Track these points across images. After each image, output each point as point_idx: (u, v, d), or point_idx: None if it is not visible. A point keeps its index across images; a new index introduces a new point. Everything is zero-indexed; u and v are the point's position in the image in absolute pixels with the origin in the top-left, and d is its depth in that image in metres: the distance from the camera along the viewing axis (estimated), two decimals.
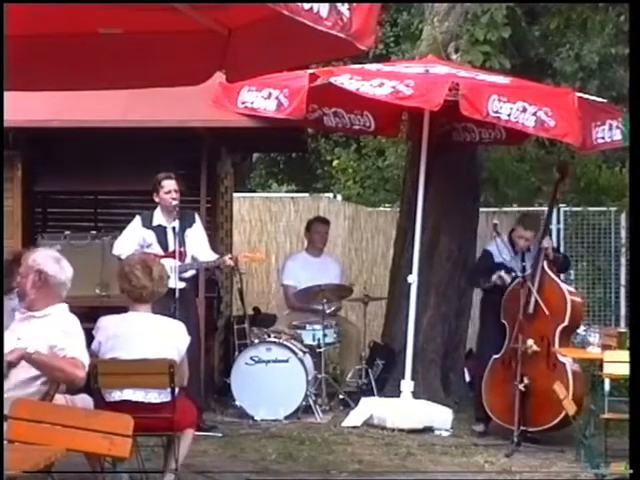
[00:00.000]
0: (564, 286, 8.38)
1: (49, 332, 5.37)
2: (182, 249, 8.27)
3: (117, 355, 6.05)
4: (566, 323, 8.19)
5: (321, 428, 8.57)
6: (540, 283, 8.24)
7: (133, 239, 8.39)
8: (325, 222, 10.46)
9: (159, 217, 8.43)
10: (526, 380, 8.00)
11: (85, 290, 8.50)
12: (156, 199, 8.36)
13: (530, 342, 8.00)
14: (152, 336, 6.10)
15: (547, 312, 8.10)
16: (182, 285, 8.20)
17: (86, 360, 5.41)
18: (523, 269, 8.35)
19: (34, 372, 5.29)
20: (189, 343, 6.28)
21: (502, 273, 8.36)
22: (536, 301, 8.16)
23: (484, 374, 8.45)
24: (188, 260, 8.38)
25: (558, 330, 8.17)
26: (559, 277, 8.50)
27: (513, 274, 8.43)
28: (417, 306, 8.98)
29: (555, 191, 8.83)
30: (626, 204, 11.29)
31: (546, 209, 12.70)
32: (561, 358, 8.11)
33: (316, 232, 10.27)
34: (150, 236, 8.41)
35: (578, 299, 8.52)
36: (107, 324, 6.13)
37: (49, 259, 5.53)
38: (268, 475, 7.04)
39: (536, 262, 8.29)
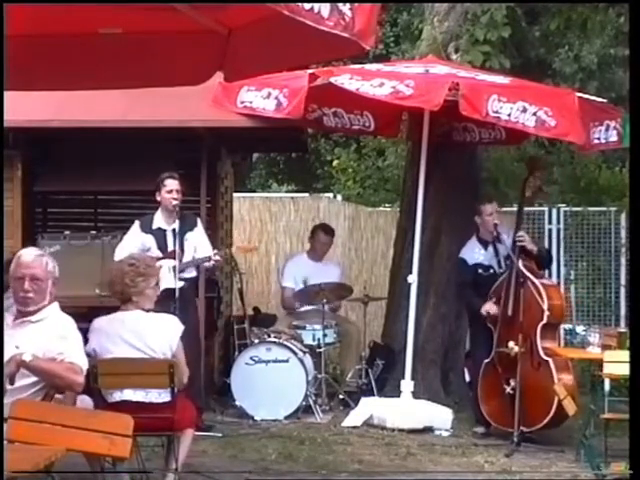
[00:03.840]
0: (540, 284, 8.31)
1: (46, 337, 5.33)
2: (179, 250, 8.28)
3: (112, 355, 6.05)
4: (545, 321, 8.19)
5: (321, 428, 8.57)
6: (516, 283, 8.24)
7: (132, 245, 8.38)
8: (329, 232, 10.35)
9: (159, 219, 8.44)
10: (513, 382, 8.01)
11: (85, 290, 8.52)
12: (158, 198, 8.38)
13: (511, 344, 8.00)
14: (143, 331, 6.09)
15: (522, 314, 8.14)
16: (181, 284, 8.22)
17: (84, 364, 5.39)
18: (499, 264, 8.46)
19: (31, 379, 5.28)
20: (189, 343, 6.28)
21: (487, 307, 8.32)
22: (514, 302, 8.18)
23: (478, 379, 8.48)
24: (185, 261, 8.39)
25: (539, 328, 8.18)
26: (537, 275, 8.49)
27: (491, 271, 8.53)
28: (417, 306, 8.98)
29: (524, 188, 8.65)
30: (626, 204, 11.30)
31: (545, 209, 12.90)
32: (544, 356, 8.12)
33: (319, 242, 10.23)
34: (149, 240, 8.41)
35: (556, 296, 8.49)
36: (100, 325, 6.13)
37: (55, 262, 5.53)
38: (268, 475, 7.03)
39: (511, 264, 8.29)
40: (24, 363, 5.17)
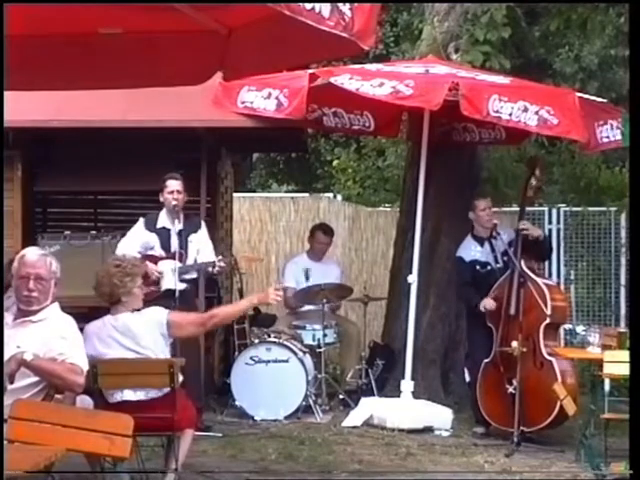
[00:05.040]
0: (543, 284, 8.33)
1: (47, 337, 5.34)
2: (182, 251, 8.30)
3: (108, 358, 6.04)
4: (548, 320, 8.19)
5: (321, 428, 8.57)
6: (519, 283, 8.24)
7: (135, 241, 8.44)
8: (328, 232, 10.30)
9: (163, 219, 8.47)
10: (515, 382, 8.01)
11: (85, 290, 8.46)
12: (161, 199, 8.42)
13: (514, 344, 7.99)
14: (137, 332, 6.08)
15: (523, 313, 8.15)
16: (182, 286, 8.23)
17: (85, 365, 5.40)
18: (495, 259, 8.50)
19: (31, 379, 5.28)
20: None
21: (486, 303, 8.33)
22: (517, 301, 8.18)
23: (478, 379, 8.48)
24: (189, 263, 8.40)
25: (541, 328, 8.18)
26: (540, 274, 8.48)
27: (489, 267, 8.54)
28: (417, 306, 8.98)
29: (525, 188, 8.62)
30: (626, 204, 11.29)
31: (545, 209, 12.90)
32: (547, 356, 8.13)
33: (318, 242, 10.20)
34: (153, 239, 8.45)
35: (559, 296, 8.52)
36: (92, 330, 6.07)
37: (57, 262, 5.53)
38: (268, 475, 7.03)
39: (513, 262, 8.29)
40: (25, 362, 5.17)
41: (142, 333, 6.08)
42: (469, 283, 8.63)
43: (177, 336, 6.35)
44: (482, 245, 8.62)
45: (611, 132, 8.57)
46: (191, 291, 8.46)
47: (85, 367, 5.39)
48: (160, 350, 6.09)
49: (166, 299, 7.97)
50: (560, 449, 7.90)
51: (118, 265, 6.24)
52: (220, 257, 8.51)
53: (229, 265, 8.78)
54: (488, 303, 8.31)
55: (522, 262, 8.28)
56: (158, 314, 6.17)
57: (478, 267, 8.57)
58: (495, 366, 8.32)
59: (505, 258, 8.43)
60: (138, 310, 6.22)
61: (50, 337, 5.35)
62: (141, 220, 8.55)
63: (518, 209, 8.88)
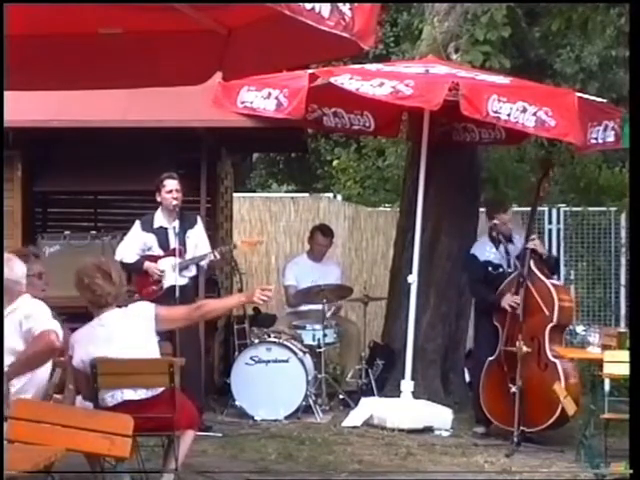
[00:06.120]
0: (551, 285, 8.32)
1: (16, 322, 5.44)
2: (182, 247, 8.31)
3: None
4: (554, 322, 8.19)
5: (321, 428, 8.57)
6: (527, 283, 8.23)
7: (134, 244, 8.50)
8: (327, 234, 10.26)
9: (160, 218, 8.48)
10: (519, 382, 8.01)
11: None
12: (158, 198, 8.42)
13: (519, 344, 7.99)
14: (124, 330, 6.02)
15: (524, 313, 8.14)
16: (183, 282, 8.26)
17: (55, 327, 5.43)
18: (508, 263, 8.48)
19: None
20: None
21: (509, 299, 8.29)
22: (524, 302, 8.17)
23: (481, 377, 8.48)
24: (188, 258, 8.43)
25: (547, 330, 8.17)
26: (547, 276, 8.48)
27: (500, 270, 8.52)
28: (417, 306, 8.98)
29: (538, 189, 8.63)
30: (626, 204, 11.29)
31: (545, 209, 12.90)
32: (552, 357, 8.12)
33: (317, 243, 10.18)
34: (151, 239, 8.47)
35: (566, 297, 8.52)
36: (81, 336, 5.99)
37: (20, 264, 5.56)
38: (268, 475, 7.03)
39: (522, 263, 8.28)
40: (7, 376, 5.21)
41: (131, 329, 6.03)
42: (481, 280, 8.60)
43: (165, 329, 6.33)
44: (497, 247, 8.59)
45: (602, 134, 8.54)
46: (191, 287, 8.48)
47: (56, 328, 5.41)
48: (151, 345, 6.04)
49: (167, 297, 7.99)
50: (560, 449, 7.90)
51: (100, 267, 6.12)
52: (210, 250, 8.51)
53: (229, 252, 8.81)
54: (514, 299, 8.27)
55: (532, 262, 8.26)
56: (145, 309, 6.14)
57: (490, 268, 8.54)
58: (499, 365, 8.31)
59: (517, 263, 8.40)
60: (125, 306, 6.19)
61: (18, 320, 5.46)
62: (137, 222, 8.57)
63: (529, 209, 8.87)
